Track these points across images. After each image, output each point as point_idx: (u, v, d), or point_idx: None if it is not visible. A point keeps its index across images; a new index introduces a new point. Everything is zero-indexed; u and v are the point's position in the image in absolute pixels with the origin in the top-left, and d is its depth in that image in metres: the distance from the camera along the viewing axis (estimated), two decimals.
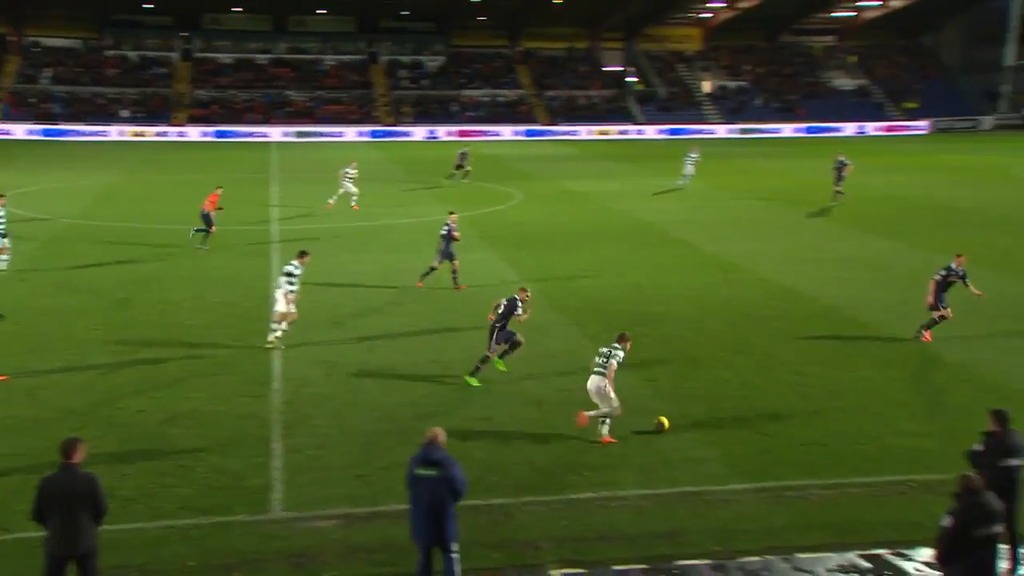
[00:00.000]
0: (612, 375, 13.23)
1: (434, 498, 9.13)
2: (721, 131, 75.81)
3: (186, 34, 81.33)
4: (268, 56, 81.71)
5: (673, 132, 75.21)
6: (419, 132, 73.51)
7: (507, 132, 73.62)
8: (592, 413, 13.36)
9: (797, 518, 11.18)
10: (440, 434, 9.38)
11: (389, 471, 12.29)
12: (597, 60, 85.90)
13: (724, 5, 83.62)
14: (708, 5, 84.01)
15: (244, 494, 11.77)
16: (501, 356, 16.08)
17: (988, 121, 79.63)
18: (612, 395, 13.22)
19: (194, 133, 71.27)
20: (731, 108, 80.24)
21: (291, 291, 17.58)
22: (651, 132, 75.55)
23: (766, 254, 26.65)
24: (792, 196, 38.69)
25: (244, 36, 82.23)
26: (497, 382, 15.91)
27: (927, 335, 17.94)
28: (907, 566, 10.11)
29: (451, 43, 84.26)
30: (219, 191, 28.74)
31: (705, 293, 22.19)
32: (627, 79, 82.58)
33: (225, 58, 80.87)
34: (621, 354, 13.36)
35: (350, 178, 34.83)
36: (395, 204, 35.76)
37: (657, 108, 79.89)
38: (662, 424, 13.66)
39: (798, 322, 19.54)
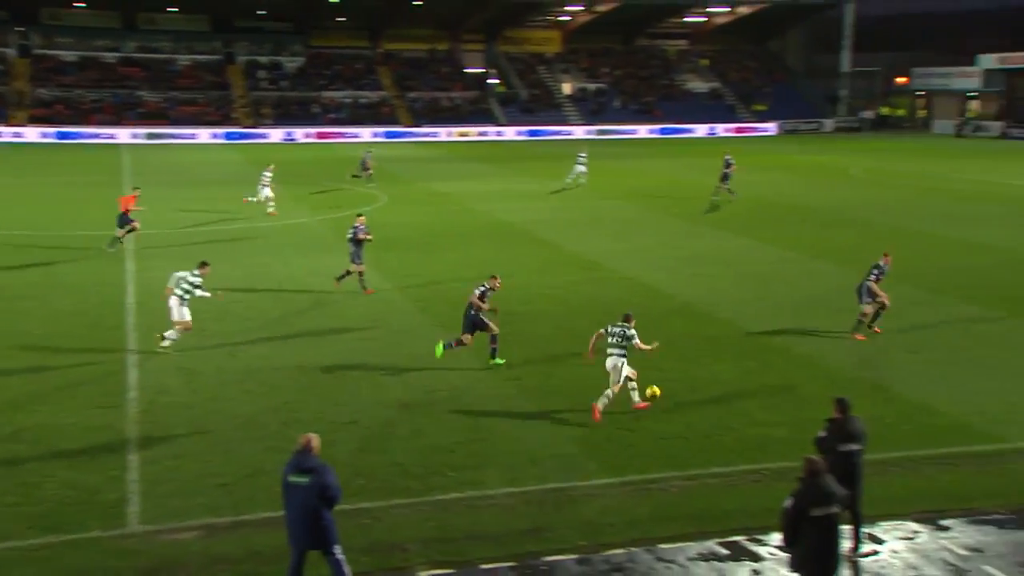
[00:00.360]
0: (640, 346, 14.43)
1: (307, 505, 9.03)
2: (581, 132, 77.19)
3: (22, 29, 77.02)
4: (116, 55, 78.30)
5: (533, 133, 76.10)
6: (276, 134, 71.91)
7: (366, 134, 72.82)
8: (601, 405, 14.17)
9: (659, 509, 11.51)
10: (314, 439, 9.28)
11: (253, 479, 12.00)
12: (458, 62, 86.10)
13: (581, 8, 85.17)
14: (566, 8, 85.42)
15: (98, 509, 11.27)
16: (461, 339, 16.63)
17: (829, 123, 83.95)
18: (626, 371, 14.28)
19: (32, 134, 67.59)
20: (591, 109, 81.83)
21: (184, 299, 17.31)
22: (511, 133, 76.19)
23: (627, 252, 27.31)
24: (650, 195, 39.79)
25: (89, 33, 78.49)
26: (363, 385, 15.77)
27: (876, 329, 18.80)
28: (761, 551, 10.56)
29: (310, 43, 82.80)
30: (136, 192, 28.75)
31: (569, 292, 22.56)
32: (488, 81, 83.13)
33: (68, 56, 77.02)
34: (635, 332, 14.47)
35: (266, 183, 34.10)
36: (256, 207, 34.87)
37: (519, 110, 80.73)
38: (654, 394, 14.41)
39: (658, 318, 20.08)
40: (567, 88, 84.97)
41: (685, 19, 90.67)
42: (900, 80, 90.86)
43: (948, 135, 77.23)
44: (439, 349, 16.62)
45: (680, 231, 31.25)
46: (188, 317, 17.43)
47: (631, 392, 14.43)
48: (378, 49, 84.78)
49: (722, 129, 79.75)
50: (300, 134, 71.97)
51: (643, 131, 78.05)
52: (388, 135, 73.45)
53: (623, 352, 14.26)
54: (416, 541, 10.68)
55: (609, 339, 14.39)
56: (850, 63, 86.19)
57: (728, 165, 38.50)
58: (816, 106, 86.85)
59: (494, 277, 17.04)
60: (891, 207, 36.44)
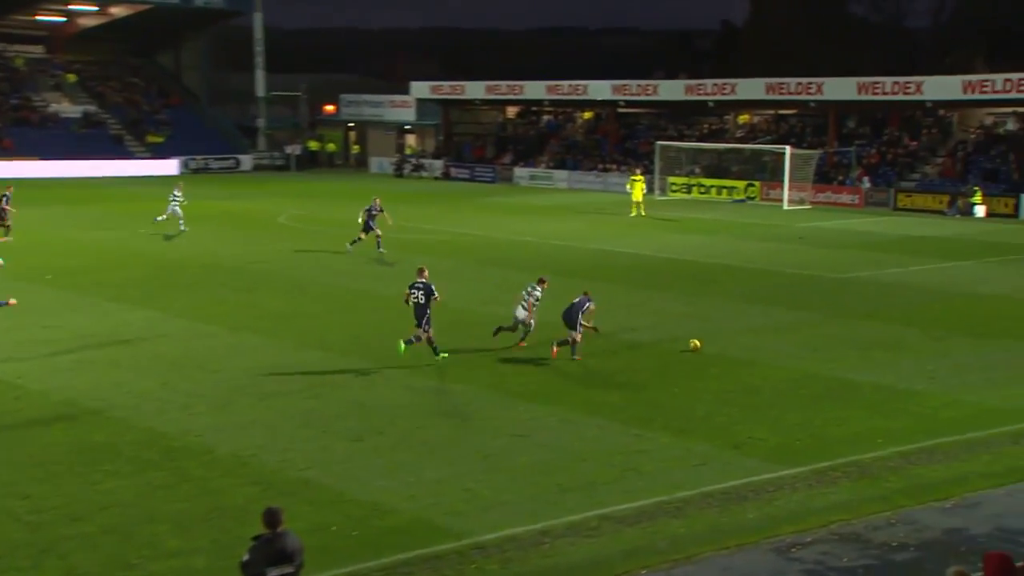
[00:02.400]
0: (532, 307, 24.72)
1: None
2: None
3: None
4: None
5: None
6: None
7: None
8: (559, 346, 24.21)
9: None
10: None
11: None
12: None
13: None
14: None
15: None
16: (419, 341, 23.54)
17: (248, 160, 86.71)
18: (532, 321, 24.75)
19: None
20: None
21: None
22: None
23: None
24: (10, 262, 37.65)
25: None
26: None
27: (555, 351, 24.34)
28: None
29: None
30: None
31: None
32: None
33: None
34: (539, 292, 24.83)
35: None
36: None
37: None
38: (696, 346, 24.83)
39: (23, 427, 19.06)
40: None
41: (37, 18, 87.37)
42: (328, 108, 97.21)
43: (388, 175, 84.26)
44: (400, 347, 23.36)
45: (56, 304, 30.05)
46: None
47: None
48: None
49: (90, 168, 75.63)
50: None
51: None
52: None
53: (527, 307, 24.47)
54: None
55: (528, 298, 24.62)
56: (266, 86, 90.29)
57: (378, 210, 40.17)
58: (229, 138, 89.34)
59: (422, 270, 24.02)
60: (328, 262, 38.58)
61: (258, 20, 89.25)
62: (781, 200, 60.80)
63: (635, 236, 47.19)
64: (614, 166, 73.39)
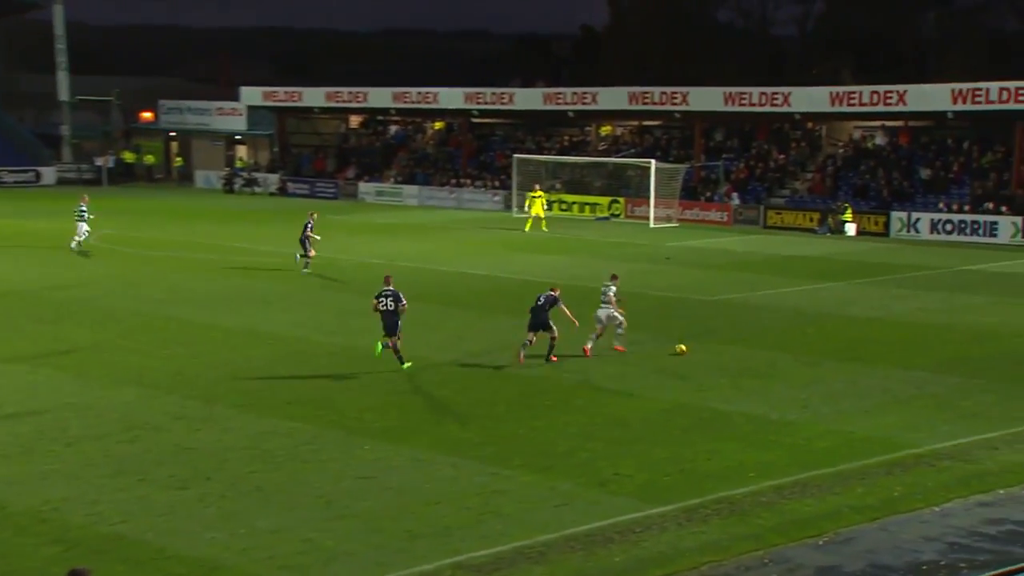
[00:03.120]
0: (614, 302, 27.66)
1: None
2: None
3: None
4: None
5: None
6: None
7: None
8: (591, 345, 27.36)
9: None
10: None
11: None
12: None
13: None
14: None
15: None
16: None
17: (50, 173, 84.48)
18: (618, 315, 27.60)
19: None
20: None
21: None
22: None
23: None
24: None
25: None
26: None
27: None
28: None
29: None
30: None
31: None
32: None
33: None
34: (614, 288, 27.75)
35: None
36: None
37: None
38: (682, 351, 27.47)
39: None
40: None
41: None
42: (146, 116, 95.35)
43: (216, 190, 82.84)
44: (377, 348, 25.32)
45: None
46: None
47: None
48: None
49: None
50: None
51: None
52: None
53: (609, 304, 27.39)
54: None
55: (603, 297, 27.58)
56: (71, 89, 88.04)
57: (309, 229, 42.01)
58: (26, 148, 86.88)
59: (388, 278, 26.10)
60: (145, 289, 37.79)
61: (59, 13, 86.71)
62: (647, 217, 61.77)
63: (491, 257, 47.38)
64: (468, 181, 73.64)
